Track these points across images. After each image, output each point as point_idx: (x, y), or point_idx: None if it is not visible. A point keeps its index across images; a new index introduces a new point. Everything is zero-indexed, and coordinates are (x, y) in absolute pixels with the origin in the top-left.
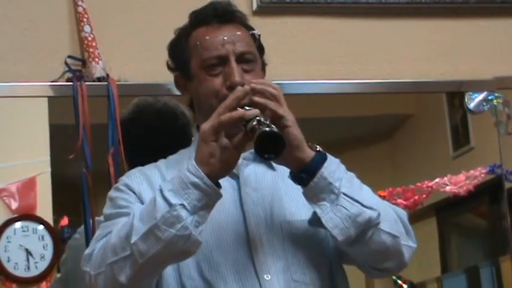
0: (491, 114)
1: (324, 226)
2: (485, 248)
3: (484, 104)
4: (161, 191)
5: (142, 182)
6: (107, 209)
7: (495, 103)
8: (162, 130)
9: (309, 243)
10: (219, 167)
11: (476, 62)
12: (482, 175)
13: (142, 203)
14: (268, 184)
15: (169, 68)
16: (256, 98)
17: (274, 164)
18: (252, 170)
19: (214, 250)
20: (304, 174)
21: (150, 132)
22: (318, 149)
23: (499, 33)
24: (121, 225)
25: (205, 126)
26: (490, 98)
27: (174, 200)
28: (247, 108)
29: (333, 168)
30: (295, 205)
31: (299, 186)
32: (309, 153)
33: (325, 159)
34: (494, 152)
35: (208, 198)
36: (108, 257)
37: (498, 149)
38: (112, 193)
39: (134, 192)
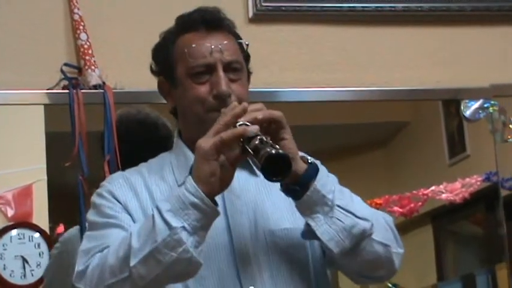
0: (487, 121)
1: (318, 238)
2: (481, 256)
3: (480, 111)
4: (159, 211)
5: (126, 190)
6: (92, 216)
7: (491, 111)
8: (143, 141)
9: (293, 253)
10: (219, 186)
11: (472, 69)
12: (478, 183)
13: (128, 213)
14: (251, 190)
15: (152, 71)
16: (260, 115)
17: (256, 170)
18: (234, 177)
19: None
20: (298, 187)
21: (131, 143)
22: (309, 161)
23: (495, 41)
24: (117, 244)
25: (206, 144)
26: (486, 105)
27: (174, 222)
28: (246, 123)
29: (325, 180)
30: (279, 212)
31: (281, 193)
32: (301, 165)
33: (317, 171)
34: (490, 160)
35: (207, 218)
36: (106, 277)
37: (494, 156)
38: (96, 199)
39: (119, 202)
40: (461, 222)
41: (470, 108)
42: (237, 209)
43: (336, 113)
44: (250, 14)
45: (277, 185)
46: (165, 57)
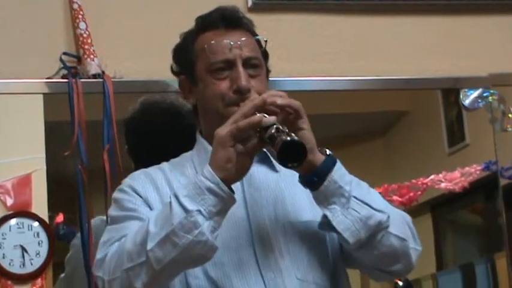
0: (487, 111)
1: (334, 229)
2: (481, 245)
3: (479, 100)
4: (176, 197)
5: (147, 185)
6: (113, 211)
7: (490, 100)
8: (167, 129)
9: (312, 244)
10: (235, 172)
11: (472, 58)
12: (478, 172)
13: (149, 206)
14: (271, 185)
15: (173, 72)
16: (279, 100)
17: (276, 166)
18: (254, 171)
19: (219, 250)
20: (316, 177)
21: (156, 131)
22: (327, 153)
23: (494, 30)
24: (135, 231)
25: (222, 131)
26: (485, 94)
27: (190, 206)
28: (264, 115)
29: (343, 172)
30: (298, 206)
31: (302, 188)
32: (319, 157)
33: (334, 162)
34: (490, 149)
35: (224, 204)
36: (124, 263)
37: (493, 145)
38: (117, 195)
39: (140, 195)
40: (461, 212)
41: (469, 97)
42: (256, 202)
43: (335, 102)
44: (250, 4)
45: (297, 180)
46: (186, 56)
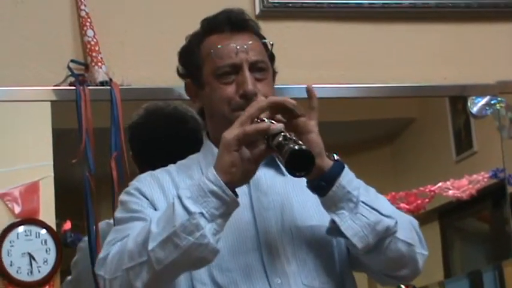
0: (494, 118)
1: (343, 235)
2: (488, 253)
3: (487, 108)
4: (180, 198)
5: (154, 187)
6: (119, 213)
7: (498, 107)
8: (171, 135)
9: (319, 249)
10: (239, 177)
11: (479, 66)
12: (485, 179)
13: (155, 208)
14: (278, 189)
15: (179, 74)
16: (289, 102)
17: (283, 169)
18: (262, 175)
19: (226, 255)
20: (324, 183)
21: (159, 137)
22: (335, 158)
23: (502, 37)
24: (138, 231)
25: (229, 135)
26: (492, 102)
27: (193, 208)
28: (272, 121)
29: (351, 177)
30: (306, 211)
31: (309, 192)
32: (327, 162)
33: (342, 167)
34: (497, 156)
35: (226, 207)
36: (125, 262)
37: (501, 153)
38: (123, 197)
39: (146, 198)
40: (468, 219)
41: (477, 104)
42: (263, 206)
43: (342, 110)
44: (257, 11)
45: (304, 183)
46: (191, 59)
